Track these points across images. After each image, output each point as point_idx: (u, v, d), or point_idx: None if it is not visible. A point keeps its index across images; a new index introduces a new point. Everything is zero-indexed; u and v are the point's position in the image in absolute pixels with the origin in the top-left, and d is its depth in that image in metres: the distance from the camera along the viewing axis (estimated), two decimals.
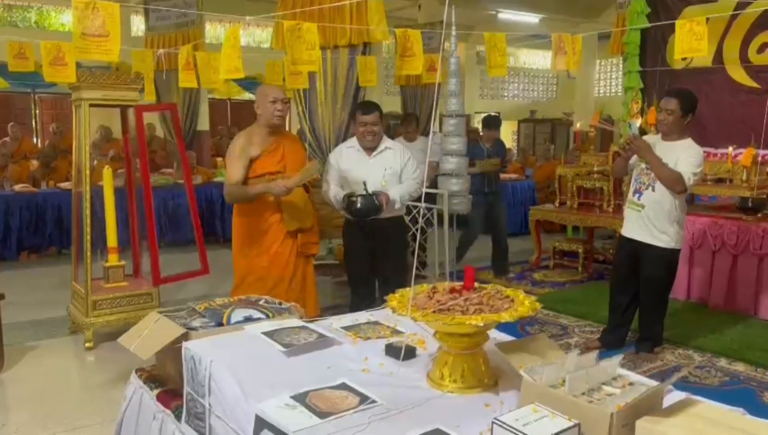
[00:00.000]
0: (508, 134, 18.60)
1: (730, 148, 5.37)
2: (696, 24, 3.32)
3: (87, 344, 4.23)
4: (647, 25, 6.32)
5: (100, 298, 4.23)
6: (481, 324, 1.65)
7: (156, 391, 2.26)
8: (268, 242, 3.67)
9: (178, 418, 2.08)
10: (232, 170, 3.55)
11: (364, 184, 3.77)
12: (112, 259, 4.41)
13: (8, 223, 6.72)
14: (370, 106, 3.98)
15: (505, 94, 18.28)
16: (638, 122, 3.79)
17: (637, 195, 3.85)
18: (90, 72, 4.05)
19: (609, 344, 4.07)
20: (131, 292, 4.36)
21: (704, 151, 6.27)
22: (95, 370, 4.00)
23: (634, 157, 3.84)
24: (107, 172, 4.34)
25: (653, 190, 3.75)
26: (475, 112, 17.54)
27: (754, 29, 6.02)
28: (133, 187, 4.61)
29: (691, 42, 3.34)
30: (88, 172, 4.13)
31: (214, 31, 12.99)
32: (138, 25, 10.68)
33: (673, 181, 3.62)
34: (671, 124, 3.71)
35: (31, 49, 4.95)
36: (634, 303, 4.06)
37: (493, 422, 1.42)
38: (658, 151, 3.69)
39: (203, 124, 9.88)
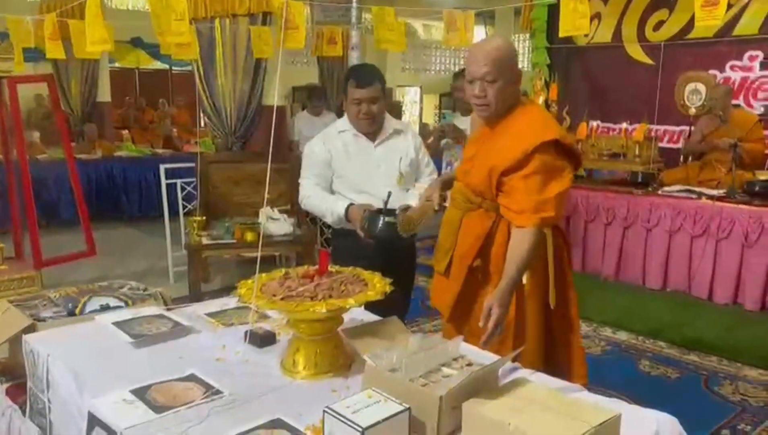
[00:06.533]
0: (430, 108, 18.66)
1: (624, 124, 5.55)
2: (579, 2, 3.37)
3: None
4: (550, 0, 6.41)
5: None
6: (324, 311, 1.62)
7: (6, 385, 2.13)
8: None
9: (24, 413, 1.96)
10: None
11: (389, 195, 2.46)
12: None
13: None
14: (367, 75, 2.62)
15: (428, 68, 18.28)
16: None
17: None
18: None
19: None
20: (10, 276, 4.12)
21: (605, 127, 6.60)
22: None
23: None
24: None
25: None
26: (398, 86, 17.50)
27: (651, 8, 6.21)
28: (11, 165, 4.33)
29: (575, 20, 3.39)
30: None
31: None
32: None
33: None
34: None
35: None
36: None
37: (324, 411, 1.39)
38: None
39: (104, 95, 9.37)
